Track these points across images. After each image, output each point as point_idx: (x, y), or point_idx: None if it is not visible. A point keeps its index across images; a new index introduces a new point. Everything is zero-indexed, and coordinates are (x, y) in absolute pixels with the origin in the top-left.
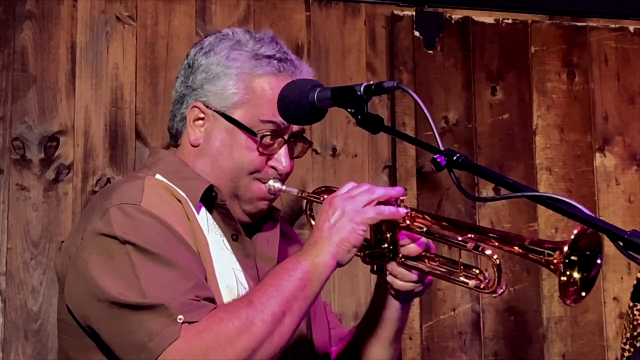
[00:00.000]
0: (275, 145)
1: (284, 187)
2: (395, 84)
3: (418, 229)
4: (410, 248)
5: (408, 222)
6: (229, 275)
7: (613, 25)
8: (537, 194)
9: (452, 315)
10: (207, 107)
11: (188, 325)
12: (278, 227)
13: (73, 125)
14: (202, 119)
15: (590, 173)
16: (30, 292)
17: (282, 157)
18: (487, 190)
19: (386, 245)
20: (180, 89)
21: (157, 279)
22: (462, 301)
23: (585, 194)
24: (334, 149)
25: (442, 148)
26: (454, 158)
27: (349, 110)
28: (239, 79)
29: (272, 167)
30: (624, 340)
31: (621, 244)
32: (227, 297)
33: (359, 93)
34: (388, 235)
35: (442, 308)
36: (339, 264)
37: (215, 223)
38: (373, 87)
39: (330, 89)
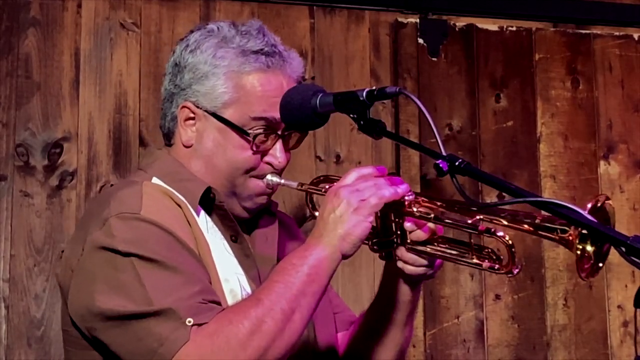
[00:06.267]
0: (269, 142)
1: (282, 181)
2: (397, 89)
3: (425, 215)
4: (418, 233)
5: (414, 208)
6: (232, 279)
7: (617, 33)
8: (540, 199)
9: (455, 323)
10: (197, 107)
11: (197, 327)
12: (276, 222)
13: (77, 132)
14: (193, 118)
15: (595, 181)
16: (34, 298)
17: (277, 153)
18: (491, 197)
19: (393, 232)
20: (168, 87)
21: (163, 286)
22: (465, 309)
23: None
24: (338, 156)
25: (444, 153)
26: (456, 163)
27: (351, 115)
28: (227, 77)
29: (268, 163)
30: None
31: (624, 249)
32: (231, 301)
33: (361, 98)
34: (394, 222)
35: (446, 316)
36: (345, 257)
37: (214, 225)
38: (375, 92)
39: (333, 94)
